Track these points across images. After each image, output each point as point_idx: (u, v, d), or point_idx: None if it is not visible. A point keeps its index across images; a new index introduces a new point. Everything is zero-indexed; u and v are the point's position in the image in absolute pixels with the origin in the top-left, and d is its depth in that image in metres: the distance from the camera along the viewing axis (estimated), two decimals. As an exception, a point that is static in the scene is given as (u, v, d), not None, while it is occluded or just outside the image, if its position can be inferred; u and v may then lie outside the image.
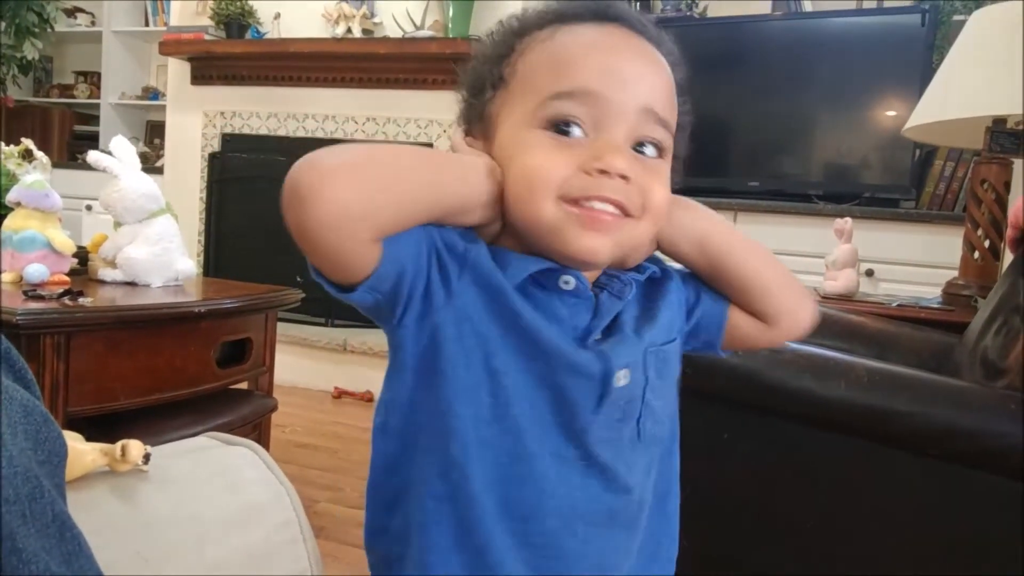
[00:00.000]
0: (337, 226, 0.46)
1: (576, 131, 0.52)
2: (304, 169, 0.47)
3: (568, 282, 0.53)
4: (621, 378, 0.52)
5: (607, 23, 0.55)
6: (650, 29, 0.56)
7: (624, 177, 0.51)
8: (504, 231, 0.54)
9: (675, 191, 0.56)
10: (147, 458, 0.60)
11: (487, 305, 0.51)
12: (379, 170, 0.49)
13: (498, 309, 0.51)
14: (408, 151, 0.51)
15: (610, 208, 0.51)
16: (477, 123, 0.58)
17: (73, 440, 0.55)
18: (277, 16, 3.16)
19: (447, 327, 0.51)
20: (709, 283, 0.60)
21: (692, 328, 0.60)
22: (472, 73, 0.59)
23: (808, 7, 2.94)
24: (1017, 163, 1.76)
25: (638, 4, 3.10)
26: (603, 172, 0.50)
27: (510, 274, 0.52)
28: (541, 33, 0.55)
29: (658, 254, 0.59)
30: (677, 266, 0.60)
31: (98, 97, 4.26)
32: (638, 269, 0.57)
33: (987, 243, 1.73)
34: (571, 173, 0.51)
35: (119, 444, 0.59)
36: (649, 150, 0.53)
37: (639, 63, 0.54)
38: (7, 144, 1.67)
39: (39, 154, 1.64)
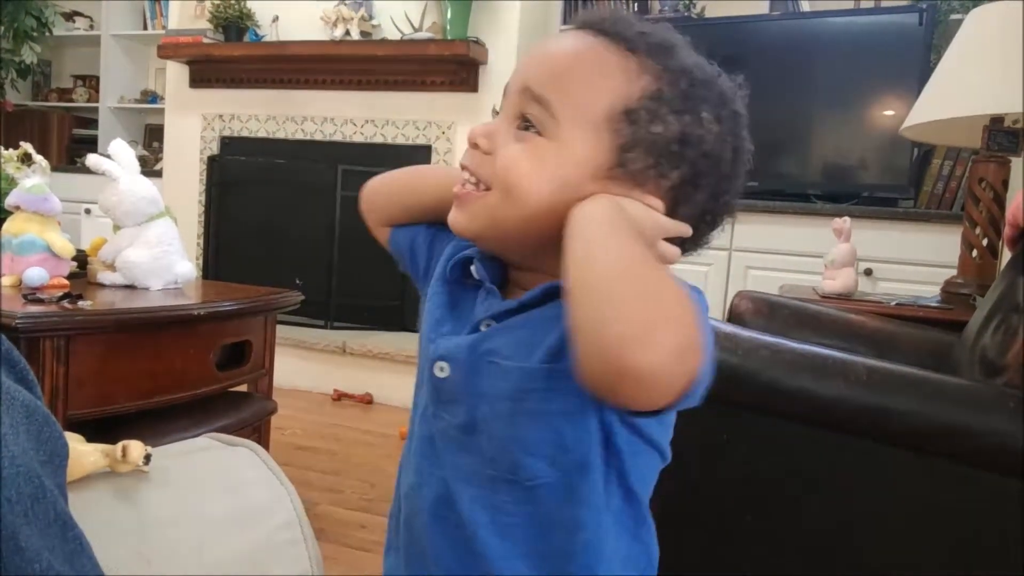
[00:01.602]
0: (364, 213, 0.70)
1: None
2: None
3: (474, 272, 0.58)
4: (438, 369, 0.55)
5: (573, 29, 0.57)
6: (603, 24, 0.54)
7: (474, 145, 0.55)
8: None
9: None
10: (148, 459, 0.60)
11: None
12: (384, 181, 0.69)
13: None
14: (413, 171, 0.70)
15: (468, 176, 0.55)
16: None
17: (74, 441, 0.55)
18: (275, 19, 3.16)
19: (423, 308, 0.62)
20: None
21: None
22: None
23: (806, 7, 2.94)
24: (1015, 161, 1.76)
25: (636, 5, 3.11)
26: (469, 144, 0.56)
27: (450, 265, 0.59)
28: None
29: None
30: None
31: (97, 101, 4.26)
32: None
33: (985, 241, 1.73)
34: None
35: (120, 445, 0.59)
36: (526, 125, 0.54)
37: (536, 50, 0.56)
38: (6, 148, 1.67)
39: (38, 158, 1.64)
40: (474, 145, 0.55)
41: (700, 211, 0.55)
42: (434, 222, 0.65)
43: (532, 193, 0.52)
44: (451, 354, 0.54)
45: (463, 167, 0.56)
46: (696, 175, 0.53)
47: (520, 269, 0.57)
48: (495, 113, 0.58)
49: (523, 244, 0.54)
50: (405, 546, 0.58)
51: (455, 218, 0.56)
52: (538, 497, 0.51)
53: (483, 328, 0.55)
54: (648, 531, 0.56)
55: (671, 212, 0.53)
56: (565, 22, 3.18)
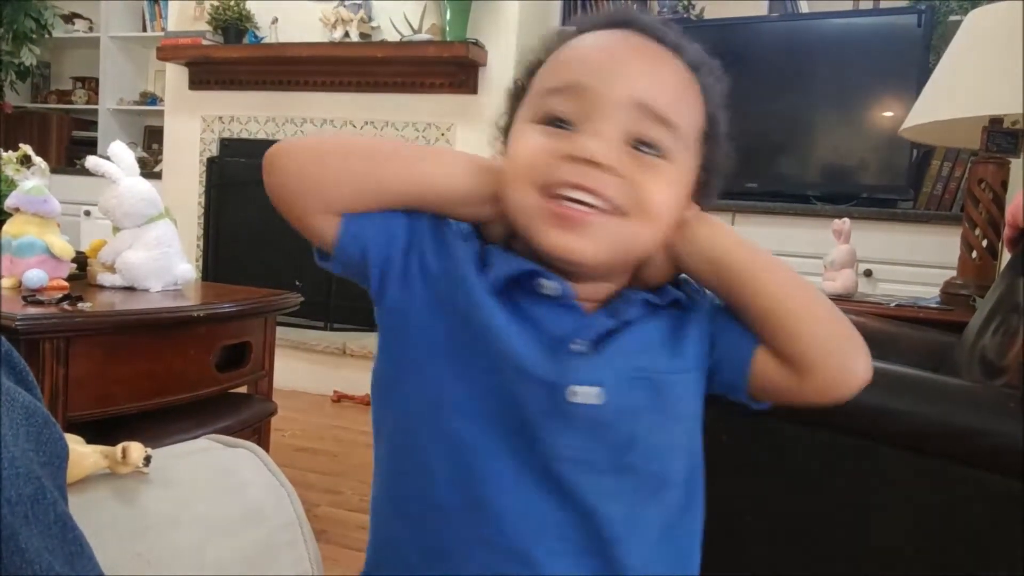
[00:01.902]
0: (290, 195, 0.53)
1: (568, 127, 0.51)
2: (277, 144, 0.54)
3: (548, 287, 0.51)
4: (581, 394, 0.49)
5: (620, 28, 0.55)
6: (668, 36, 0.54)
7: (599, 164, 0.48)
8: (515, 233, 0.54)
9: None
10: (148, 460, 0.60)
11: (451, 299, 0.51)
12: (337, 153, 0.53)
13: (461, 304, 0.51)
14: (385, 143, 0.56)
15: (585, 198, 0.49)
16: (505, 135, 0.58)
17: (74, 442, 0.55)
18: (275, 20, 3.16)
19: (414, 315, 0.52)
20: (736, 315, 0.55)
21: (714, 365, 0.54)
22: (510, 88, 0.60)
23: (805, 8, 2.95)
24: (1014, 162, 1.76)
25: (635, 6, 3.11)
26: (576, 159, 0.49)
27: (491, 274, 0.51)
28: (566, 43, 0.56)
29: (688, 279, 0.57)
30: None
31: (96, 102, 4.26)
32: (661, 292, 0.54)
33: (985, 243, 1.73)
34: (553, 161, 0.49)
35: (120, 446, 0.59)
36: (647, 149, 0.50)
37: (637, 59, 0.52)
38: (6, 150, 1.67)
39: (37, 159, 1.64)
40: (596, 164, 0.48)
41: None
42: (398, 212, 0.54)
43: (668, 221, 0.52)
44: (605, 378, 0.49)
45: (581, 187, 0.48)
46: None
47: (583, 280, 0.53)
48: (549, 119, 0.51)
49: (628, 265, 0.54)
50: None
51: (571, 243, 0.49)
52: (672, 499, 0.54)
53: (575, 347, 0.50)
54: None
55: None
56: (564, 23, 3.18)
